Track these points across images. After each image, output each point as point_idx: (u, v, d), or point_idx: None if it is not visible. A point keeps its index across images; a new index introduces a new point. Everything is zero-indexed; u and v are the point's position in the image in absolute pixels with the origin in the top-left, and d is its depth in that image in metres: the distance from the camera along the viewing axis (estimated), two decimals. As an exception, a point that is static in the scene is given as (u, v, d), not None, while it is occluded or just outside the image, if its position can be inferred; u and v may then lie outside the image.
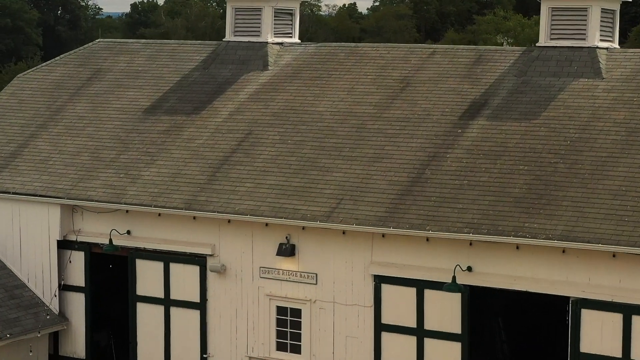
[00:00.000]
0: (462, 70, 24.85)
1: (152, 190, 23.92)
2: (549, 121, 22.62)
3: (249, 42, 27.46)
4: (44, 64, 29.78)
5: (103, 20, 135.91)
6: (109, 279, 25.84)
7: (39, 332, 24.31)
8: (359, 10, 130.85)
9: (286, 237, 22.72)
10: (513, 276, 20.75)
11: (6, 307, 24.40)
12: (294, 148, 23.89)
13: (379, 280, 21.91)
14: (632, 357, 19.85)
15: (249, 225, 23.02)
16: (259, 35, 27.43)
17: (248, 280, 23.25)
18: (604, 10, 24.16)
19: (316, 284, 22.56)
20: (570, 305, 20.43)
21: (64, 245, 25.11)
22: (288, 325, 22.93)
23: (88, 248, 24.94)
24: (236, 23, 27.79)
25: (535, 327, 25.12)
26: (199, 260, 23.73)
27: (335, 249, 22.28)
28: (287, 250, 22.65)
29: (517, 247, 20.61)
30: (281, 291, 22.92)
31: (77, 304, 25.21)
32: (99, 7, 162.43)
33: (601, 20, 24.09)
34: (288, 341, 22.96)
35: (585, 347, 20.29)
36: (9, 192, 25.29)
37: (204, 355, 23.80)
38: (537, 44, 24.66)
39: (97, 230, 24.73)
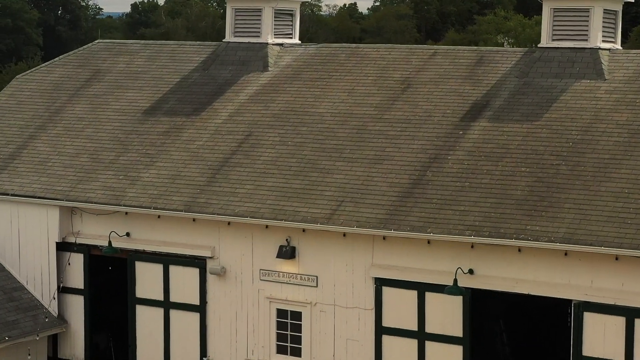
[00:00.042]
0: (463, 71, 24.71)
1: (152, 192, 23.79)
2: (551, 123, 22.48)
3: (249, 43, 27.33)
4: (43, 64, 29.65)
5: (103, 20, 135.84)
6: (108, 281, 25.71)
7: (38, 335, 24.18)
8: (360, 10, 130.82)
9: (286, 240, 22.59)
10: (515, 279, 20.61)
11: (5, 309, 24.28)
12: (294, 150, 23.75)
13: (380, 283, 21.78)
14: (634, 361, 19.75)
15: (249, 228, 22.89)
16: (259, 36, 27.30)
17: (248, 282, 23.11)
18: (606, 11, 24.02)
19: (317, 286, 22.43)
20: (572, 308, 20.28)
21: (63, 247, 24.98)
22: (288, 328, 22.80)
23: (87, 250, 24.82)
24: (236, 24, 27.66)
25: (537, 330, 24.97)
26: (198, 262, 23.60)
27: (336, 251, 22.15)
28: (287, 252, 22.52)
29: (519, 250, 20.48)
30: (281, 294, 22.78)
31: (76, 306, 25.08)
32: (99, 7, 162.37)
33: (603, 21, 23.95)
34: (288, 344, 22.83)
35: (588, 350, 20.14)
36: (7, 194, 25.17)
37: (204, 358, 23.66)
38: (538, 45, 24.52)
39: (96, 232, 24.60)
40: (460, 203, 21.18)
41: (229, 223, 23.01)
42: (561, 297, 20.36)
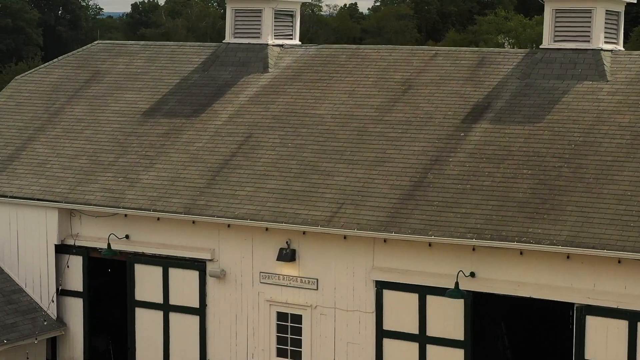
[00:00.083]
0: (464, 73, 24.57)
1: (151, 194, 23.65)
2: (553, 124, 22.34)
3: (249, 44, 27.20)
4: (42, 65, 29.53)
5: (104, 20, 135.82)
6: (108, 283, 25.58)
7: (36, 339, 24.03)
8: (360, 10, 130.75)
9: (287, 242, 22.45)
10: (517, 282, 20.47)
11: (3, 312, 24.13)
12: (295, 151, 23.61)
13: (381, 286, 21.65)
14: (637, 365, 19.61)
15: (249, 230, 22.75)
16: (259, 37, 27.17)
17: (248, 285, 22.98)
18: (608, 12, 23.89)
19: (317, 289, 22.29)
20: (574, 311, 20.14)
21: (61, 249, 24.84)
22: (288, 331, 22.67)
23: (86, 252, 24.68)
24: (236, 25, 27.53)
25: (539, 333, 24.85)
26: (198, 265, 23.46)
27: (337, 254, 22.01)
28: (287, 255, 22.39)
29: (521, 253, 20.33)
30: (281, 297, 22.64)
31: (75, 309, 24.94)
32: (99, 7, 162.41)
33: (605, 22, 23.81)
34: (288, 347, 22.69)
35: (590, 354, 20.00)
36: (6, 196, 25.02)
37: (204, 362, 23.58)
38: (540, 46, 24.39)
39: (95, 234, 24.46)
40: (462, 205, 21.04)
41: (228, 225, 22.88)
42: (563, 300, 20.22)
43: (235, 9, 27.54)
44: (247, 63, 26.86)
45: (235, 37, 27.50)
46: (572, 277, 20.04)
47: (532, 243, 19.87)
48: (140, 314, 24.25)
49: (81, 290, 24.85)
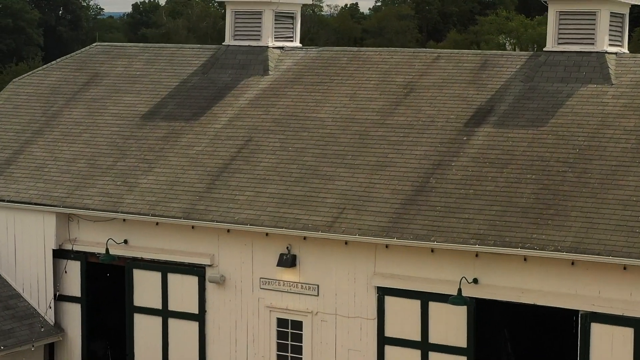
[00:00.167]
0: (467, 76, 24.30)
1: (150, 198, 23.38)
2: (557, 128, 22.06)
3: (249, 46, 26.94)
4: (40, 68, 29.26)
5: (104, 20, 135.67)
6: (106, 288, 25.33)
7: (33, 346, 23.75)
8: (361, 10, 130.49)
9: (287, 248, 22.19)
10: (520, 289, 20.19)
11: (0, 318, 23.88)
12: (295, 155, 23.34)
13: (382, 292, 21.37)
14: (643, 373, 19.33)
15: (249, 235, 22.48)
16: (259, 39, 26.92)
17: (248, 291, 22.71)
18: (612, 14, 23.60)
19: (318, 295, 22.02)
20: (579, 319, 19.86)
21: (59, 254, 24.58)
22: (289, 338, 22.40)
23: (84, 257, 24.43)
24: (236, 27, 27.27)
25: (543, 339, 24.57)
26: (197, 270, 23.19)
27: (338, 259, 21.75)
28: (288, 260, 22.12)
29: (525, 259, 20.06)
30: (282, 303, 22.37)
31: (73, 314, 24.68)
32: (100, 8, 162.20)
33: (610, 25, 23.54)
34: (289, 354, 22.44)
35: (595, 362, 19.76)
36: (3, 200, 24.77)
37: (203, 368, 23.31)
38: (544, 49, 24.11)
39: (93, 239, 24.20)
40: (465, 211, 20.76)
41: (228, 230, 22.61)
42: (568, 307, 19.95)
43: (235, 11, 27.28)
44: (247, 65, 26.59)
45: (235, 39, 27.24)
46: (576, 284, 19.77)
47: (536, 249, 19.60)
48: (139, 319, 23.98)
49: (79, 295, 24.61)
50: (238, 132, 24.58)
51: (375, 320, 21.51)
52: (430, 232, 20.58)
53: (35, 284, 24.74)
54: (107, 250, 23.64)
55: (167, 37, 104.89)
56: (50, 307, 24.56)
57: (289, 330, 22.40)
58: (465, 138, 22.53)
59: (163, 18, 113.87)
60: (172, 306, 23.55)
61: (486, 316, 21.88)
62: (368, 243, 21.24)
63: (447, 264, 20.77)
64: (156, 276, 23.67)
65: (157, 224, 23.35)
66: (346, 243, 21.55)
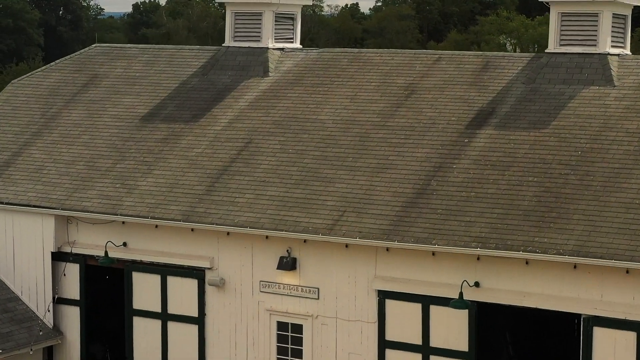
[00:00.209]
0: (468, 77, 24.15)
1: (149, 201, 23.23)
2: (559, 131, 21.91)
3: (249, 47, 26.80)
4: (39, 69, 29.11)
5: (105, 20, 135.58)
6: (105, 290, 25.19)
7: (32, 349, 23.59)
8: (361, 10, 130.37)
9: (287, 250, 22.04)
10: (522, 292, 20.04)
11: (-1, 321, 23.77)
12: (295, 158, 23.19)
13: (383, 296, 21.22)
14: (646, 377, 19.18)
15: (249, 238, 22.33)
16: (259, 41, 26.77)
17: (248, 294, 22.56)
18: (615, 16, 23.46)
19: (318, 298, 21.87)
20: (582, 322, 19.71)
21: (58, 257, 24.43)
22: (289, 342, 22.26)
23: (83, 260, 24.28)
24: (236, 28, 27.12)
25: (545, 342, 24.42)
26: (197, 273, 23.05)
27: (338, 263, 21.60)
28: (288, 263, 21.97)
29: (527, 263, 19.91)
30: (282, 306, 22.22)
31: (72, 317, 24.53)
32: (100, 8, 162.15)
33: (612, 26, 23.39)
34: (289, 358, 22.30)
35: (598, 366, 19.61)
36: (2, 202, 24.62)
37: (203, 372, 23.16)
38: (546, 50, 23.95)
39: (92, 241, 24.05)
40: (466, 214, 20.61)
41: (228, 233, 22.46)
42: (570, 311, 19.80)
43: (235, 12, 27.13)
44: (247, 67, 26.44)
45: (235, 41, 27.10)
46: (579, 288, 19.62)
47: (538, 252, 19.45)
48: (138, 322, 23.83)
49: (78, 298, 24.45)
50: (238, 134, 24.43)
51: (376, 324, 21.36)
52: (431, 235, 20.43)
53: (34, 286, 24.59)
54: (106, 253, 23.50)
55: (168, 37, 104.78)
56: (49, 310, 24.42)
57: (289, 334, 22.25)
58: (466, 140, 22.38)
59: (163, 18, 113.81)
60: (172, 309, 23.40)
61: (487, 319, 21.73)
62: (369, 246, 21.10)
63: (448, 267, 20.62)
64: (155, 279, 23.52)
65: (156, 226, 23.20)
66: (347, 246, 21.41)
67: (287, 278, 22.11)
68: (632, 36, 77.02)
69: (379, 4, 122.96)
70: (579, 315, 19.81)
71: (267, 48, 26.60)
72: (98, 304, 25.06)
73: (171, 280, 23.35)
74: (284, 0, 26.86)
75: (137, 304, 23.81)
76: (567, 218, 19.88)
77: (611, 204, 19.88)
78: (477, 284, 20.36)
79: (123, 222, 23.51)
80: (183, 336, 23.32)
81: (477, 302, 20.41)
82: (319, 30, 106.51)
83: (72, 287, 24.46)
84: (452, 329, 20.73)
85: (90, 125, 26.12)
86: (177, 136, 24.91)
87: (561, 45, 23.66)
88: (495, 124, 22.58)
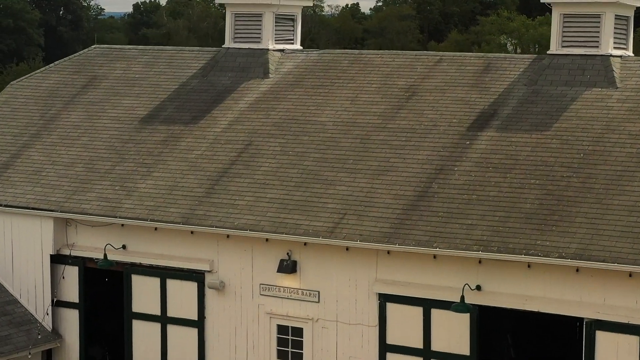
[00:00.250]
0: (470, 79, 24.00)
1: (149, 203, 23.09)
2: (561, 133, 21.76)
3: (249, 48, 26.65)
4: (38, 70, 28.97)
5: (105, 20, 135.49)
6: (104, 293, 25.06)
7: (30, 353, 23.45)
8: (362, 10, 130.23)
9: (287, 253, 21.90)
10: (524, 296, 19.90)
11: (-3, 324, 23.63)
12: (296, 160, 23.05)
13: (384, 299, 21.08)
14: (649, 382, 19.03)
15: (249, 241, 22.19)
16: (259, 42, 26.63)
17: (248, 297, 22.41)
18: (617, 17, 23.30)
19: (318, 302, 21.73)
20: (584, 326, 19.56)
21: (57, 259, 24.30)
22: (289, 345, 22.12)
23: (82, 263, 24.14)
24: (236, 29, 26.98)
25: (546, 344, 24.29)
26: (196, 276, 22.90)
27: (339, 265, 21.45)
28: (288, 266, 21.84)
29: (529, 266, 19.76)
30: (282, 309, 22.08)
31: (71, 320, 24.39)
32: (101, 8, 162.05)
33: (615, 28, 23.24)
34: (289, 361, 22.19)
35: (600, 370, 19.46)
36: (0, 205, 24.46)
37: (202, 375, 23.02)
38: (548, 52, 23.80)
39: (91, 244, 23.91)
40: (467, 216, 20.46)
41: (228, 236, 22.32)
42: (572, 315, 19.66)
43: (235, 13, 26.99)
44: (247, 68, 26.30)
45: (235, 42, 26.96)
46: (581, 291, 19.47)
47: (540, 256, 19.30)
48: (138, 326, 23.69)
49: (77, 301, 24.30)
50: (238, 136, 24.29)
51: (377, 327, 21.22)
52: (432, 238, 20.29)
53: (32, 289, 24.45)
54: (105, 255, 23.36)
55: (168, 37, 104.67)
56: (47, 313, 24.28)
57: (290, 337, 22.11)
58: (468, 142, 22.23)
59: (164, 18, 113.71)
60: (171, 312, 23.26)
61: (489, 322, 21.60)
62: (369, 249, 20.96)
63: (449, 270, 20.47)
64: (155, 282, 23.38)
65: (155, 229, 23.06)
66: (347, 249, 21.27)
67: (288, 281, 21.97)
68: (634, 37, 76.90)
69: (380, 4, 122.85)
70: (582, 319, 19.66)
71: (267, 49, 26.46)
72: (97, 306, 24.94)
73: (171, 283, 23.21)
74: (284, 1, 26.71)
75: (137, 307, 23.67)
76: (569, 221, 19.73)
77: (614, 207, 19.74)
78: (478, 288, 20.22)
79: (122, 225, 23.37)
80: (183, 339, 23.18)
81: (479, 306, 20.27)
82: (319, 31, 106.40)
83: (71, 289, 24.32)
84: (453, 333, 20.58)
85: (89, 127, 25.98)
86: (177, 138, 24.77)
87: (563, 46, 23.52)
88: (497, 126, 22.43)
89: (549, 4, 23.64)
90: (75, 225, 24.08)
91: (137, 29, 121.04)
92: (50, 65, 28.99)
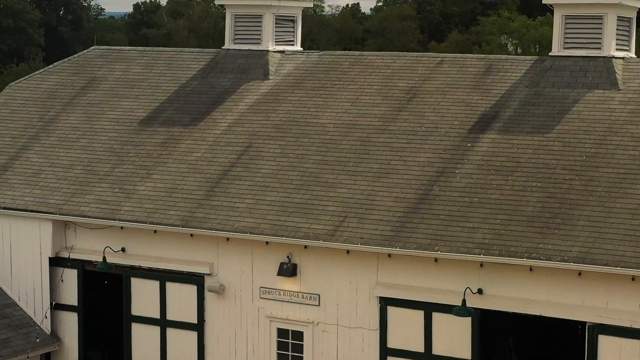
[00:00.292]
0: (471, 81, 23.85)
1: (148, 206, 22.94)
2: (563, 135, 21.61)
3: (249, 50, 26.50)
4: (37, 72, 28.81)
5: (105, 20, 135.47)
6: (103, 296, 24.92)
7: (28, 356, 23.32)
8: (362, 10, 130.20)
9: (287, 257, 21.76)
10: (526, 299, 19.75)
11: (-4, 327, 23.49)
12: (296, 162, 22.90)
13: (385, 303, 20.93)
14: (652, 386, 18.88)
15: (249, 244, 22.05)
16: (259, 43, 26.48)
17: (248, 300, 22.27)
18: (619, 19, 23.15)
19: (319, 305, 21.58)
20: (586, 330, 19.41)
21: (56, 262, 24.14)
22: (289, 349, 21.97)
23: (81, 266, 23.98)
24: (236, 30, 26.83)
25: (548, 348, 24.15)
26: (196, 279, 22.76)
27: (339, 269, 21.31)
28: (288, 270, 21.69)
29: (531, 269, 19.61)
30: (282, 313, 21.93)
31: (70, 323, 24.24)
32: (101, 8, 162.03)
33: (617, 29, 23.08)
34: (289, 365, 22.05)
35: (603, 374, 19.31)
36: (-1, 207, 24.35)
37: (202, 379, 22.87)
38: (550, 54, 23.64)
39: (90, 247, 23.76)
40: (469, 219, 20.31)
41: (227, 239, 22.17)
42: (575, 319, 19.51)
43: (235, 14, 26.84)
44: (247, 70, 26.16)
45: (235, 43, 26.81)
46: (583, 295, 19.32)
47: (542, 259, 19.15)
48: (137, 329, 23.55)
49: (76, 304, 24.15)
50: (238, 138, 24.14)
51: (378, 331, 21.08)
52: (433, 241, 20.14)
53: (31, 292, 24.31)
54: (104, 258, 23.20)
55: (168, 38, 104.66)
56: (46, 317, 24.13)
57: (290, 341, 21.97)
58: (469, 145, 22.09)
59: (164, 18, 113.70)
60: (171, 315, 23.12)
61: (490, 325, 21.46)
62: (370, 252, 20.81)
63: (451, 274, 20.33)
64: (154, 285, 23.24)
65: (155, 232, 22.91)
66: (348, 252, 21.12)
67: (288, 284, 21.83)
68: (637, 39, 76.79)
69: (380, 4, 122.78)
70: (584, 323, 19.51)
71: (268, 51, 26.31)
72: (96, 310, 24.79)
73: (170, 286, 23.06)
74: (285, 2, 26.56)
75: (136, 310, 23.52)
76: (571, 224, 19.58)
77: (616, 210, 19.59)
78: (480, 291, 20.07)
79: (121, 227, 23.23)
80: (182, 343, 23.03)
81: (481, 309, 20.12)
82: (320, 31, 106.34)
83: (70, 292, 24.17)
84: (454, 337, 20.44)
85: (88, 129, 25.84)
86: (176, 140, 24.63)
87: (565, 48, 23.36)
88: (499, 128, 22.28)
89: (551, 5, 23.49)
90: (74, 228, 23.93)
91: (138, 29, 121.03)
92: (49, 66, 28.84)
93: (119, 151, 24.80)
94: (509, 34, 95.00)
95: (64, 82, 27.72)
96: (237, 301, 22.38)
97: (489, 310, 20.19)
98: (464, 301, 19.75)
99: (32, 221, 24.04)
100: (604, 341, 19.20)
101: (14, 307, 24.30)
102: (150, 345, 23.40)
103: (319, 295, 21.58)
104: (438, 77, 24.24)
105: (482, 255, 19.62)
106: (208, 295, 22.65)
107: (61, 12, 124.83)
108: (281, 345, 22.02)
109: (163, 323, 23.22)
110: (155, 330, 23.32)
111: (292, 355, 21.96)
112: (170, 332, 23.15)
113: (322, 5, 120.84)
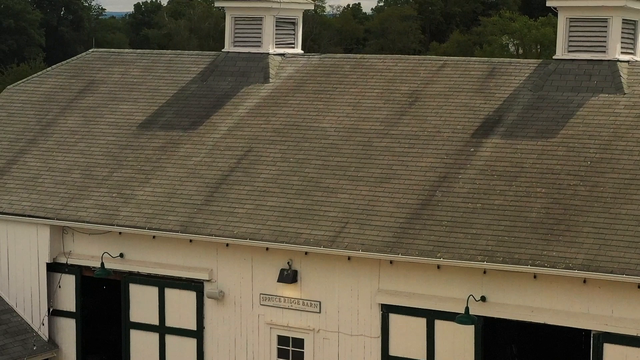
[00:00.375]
0: (474, 84, 23.58)
1: (146, 211, 22.67)
2: (568, 140, 21.33)
3: (249, 53, 26.23)
4: (35, 74, 28.55)
5: (106, 20, 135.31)
6: (101, 302, 24.67)
7: (26, 363, 23.13)
8: (363, 10, 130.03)
9: (288, 263, 21.49)
10: (530, 307, 19.47)
11: (-8, 334, 23.23)
12: (297, 167, 22.63)
13: (387, 310, 20.67)
14: (658, 396, 18.60)
15: (249, 250, 21.78)
16: (259, 46, 26.21)
17: (247, 307, 22.00)
18: (625, 22, 22.87)
19: (320, 312, 21.32)
20: (592, 339, 19.13)
21: (53, 268, 23.89)
22: (290, 356, 21.74)
23: (79, 271, 23.73)
24: (236, 33, 26.56)
25: (551, 354, 23.87)
26: (195, 285, 22.50)
27: (340, 275, 21.04)
28: (288, 276, 21.43)
29: (535, 277, 19.33)
30: (283, 320, 21.66)
31: (68, 329, 23.99)
32: (102, 8, 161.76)
33: (622, 32, 22.80)
34: (290, 373, 21.79)
35: (608, 383, 19.03)
36: (-4, 212, 24.08)
37: (201, 386, 22.60)
38: (554, 57, 23.37)
39: (88, 252, 23.51)
40: (472, 226, 20.04)
41: (227, 245, 21.91)
42: (580, 327, 19.25)
43: (235, 17, 26.57)
44: (247, 73, 25.89)
45: (235, 46, 26.54)
46: (589, 303, 19.04)
47: (546, 266, 18.88)
48: (135, 335, 23.29)
49: (74, 310, 23.90)
50: (237, 142, 23.87)
51: (379, 339, 20.81)
52: (436, 247, 19.87)
53: (28, 298, 24.05)
54: (102, 264, 22.96)
55: (169, 38, 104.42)
56: (44, 323, 23.88)
57: (290, 348, 21.72)
58: (472, 149, 21.81)
59: (165, 18, 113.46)
60: (170, 322, 22.85)
61: (494, 333, 21.19)
62: (372, 259, 20.54)
63: (453, 281, 20.05)
64: (153, 291, 22.98)
65: (153, 237, 22.65)
66: (349, 259, 20.85)
67: (288, 291, 21.56)
68: None
69: (381, 4, 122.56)
70: (589, 331, 19.24)
71: (268, 53, 26.05)
72: (94, 316, 24.53)
73: (169, 293, 22.81)
74: (285, 5, 26.30)
75: (134, 316, 23.26)
76: (576, 231, 19.30)
77: (622, 217, 19.31)
78: (483, 299, 19.80)
79: (120, 233, 22.96)
80: (181, 350, 22.78)
81: (484, 317, 19.85)
82: (320, 31, 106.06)
83: (67, 298, 23.92)
84: (457, 345, 20.17)
85: (86, 133, 25.57)
86: (176, 144, 24.36)
87: (569, 51, 23.08)
88: (502, 132, 22.01)
89: (555, 8, 23.21)
90: (72, 233, 23.67)
91: (138, 29, 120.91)
92: (47, 69, 28.59)
93: (118, 155, 24.54)
94: (510, 34, 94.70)
95: (62, 85, 27.46)
96: (236, 308, 22.12)
97: (493, 318, 19.92)
98: (467, 309, 19.49)
99: (29, 226, 23.78)
100: (609, 350, 18.94)
101: (11, 314, 24.05)
102: (149, 352, 23.15)
103: (320, 302, 21.32)
104: (440, 81, 23.97)
105: (485, 262, 19.36)
106: (207, 302, 22.39)
107: (62, 13, 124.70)
108: (282, 353, 21.78)
109: (162, 330, 22.97)
110: (154, 337, 23.07)
111: (292, 362, 21.74)
112: (170, 339, 22.90)
113: (323, 5, 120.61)
